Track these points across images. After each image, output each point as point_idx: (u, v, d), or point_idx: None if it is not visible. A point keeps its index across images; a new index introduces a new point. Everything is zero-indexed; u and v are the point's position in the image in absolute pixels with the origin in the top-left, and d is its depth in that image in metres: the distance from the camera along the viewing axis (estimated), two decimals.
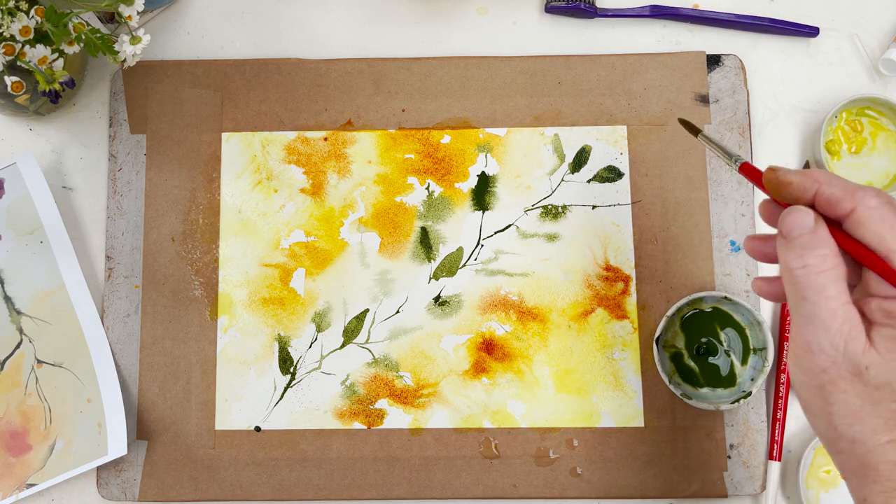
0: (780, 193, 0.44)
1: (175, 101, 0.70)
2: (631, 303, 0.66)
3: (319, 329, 0.67)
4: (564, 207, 0.68)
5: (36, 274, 0.67)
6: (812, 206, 0.43)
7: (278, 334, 0.67)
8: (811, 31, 0.70)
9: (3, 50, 0.57)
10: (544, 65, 0.69)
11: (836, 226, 0.42)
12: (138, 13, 0.60)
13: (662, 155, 0.68)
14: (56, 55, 0.58)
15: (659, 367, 0.63)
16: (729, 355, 0.65)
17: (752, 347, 0.65)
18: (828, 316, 0.41)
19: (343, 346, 0.67)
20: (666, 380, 0.63)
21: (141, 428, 0.66)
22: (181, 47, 0.72)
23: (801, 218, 0.42)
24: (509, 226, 0.68)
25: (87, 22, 0.59)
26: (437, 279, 0.67)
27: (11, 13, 0.56)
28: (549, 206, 0.68)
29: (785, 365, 0.65)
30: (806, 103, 0.70)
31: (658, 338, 0.63)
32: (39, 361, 0.66)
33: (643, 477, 0.64)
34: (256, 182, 0.69)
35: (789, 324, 0.65)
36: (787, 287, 0.43)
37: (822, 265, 0.41)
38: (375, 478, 0.65)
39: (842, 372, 0.41)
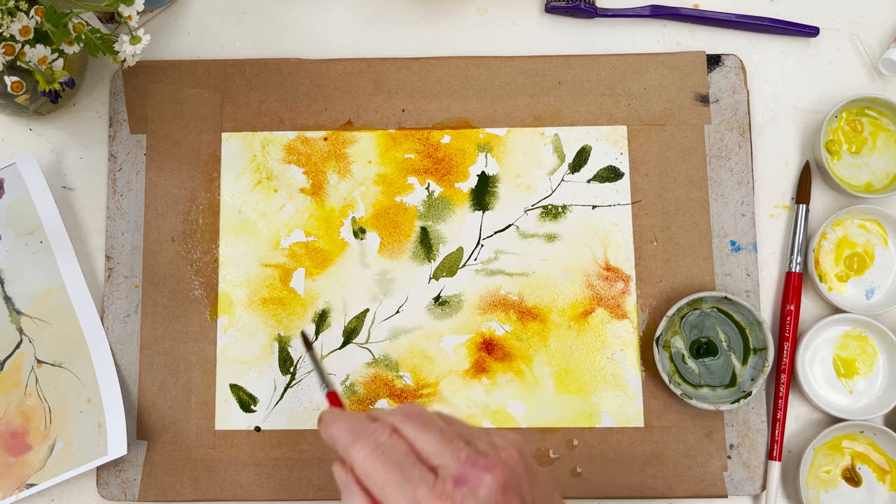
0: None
1: (175, 101, 0.70)
2: (631, 303, 0.66)
3: (319, 329, 0.67)
4: (564, 207, 0.68)
5: (36, 274, 0.67)
6: None
7: (278, 334, 0.67)
8: (811, 31, 0.70)
9: (3, 50, 0.57)
10: (544, 65, 0.69)
11: None
12: (138, 13, 0.60)
13: (662, 155, 0.68)
14: (56, 55, 0.58)
15: (659, 367, 0.63)
16: (729, 355, 0.65)
17: (752, 347, 0.65)
18: None
19: (343, 346, 0.67)
20: (666, 380, 0.63)
21: (141, 428, 0.66)
22: (181, 47, 0.72)
23: (338, 473, 0.47)
24: (509, 226, 0.68)
25: (87, 22, 0.59)
26: (437, 279, 0.67)
27: (11, 13, 0.56)
28: (549, 206, 0.68)
29: (785, 365, 0.65)
30: (806, 103, 0.70)
31: (658, 338, 0.63)
32: (39, 361, 0.66)
33: (643, 477, 0.64)
34: (256, 182, 0.69)
35: (789, 324, 0.65)
36: None
37: None
38: None
39: None
